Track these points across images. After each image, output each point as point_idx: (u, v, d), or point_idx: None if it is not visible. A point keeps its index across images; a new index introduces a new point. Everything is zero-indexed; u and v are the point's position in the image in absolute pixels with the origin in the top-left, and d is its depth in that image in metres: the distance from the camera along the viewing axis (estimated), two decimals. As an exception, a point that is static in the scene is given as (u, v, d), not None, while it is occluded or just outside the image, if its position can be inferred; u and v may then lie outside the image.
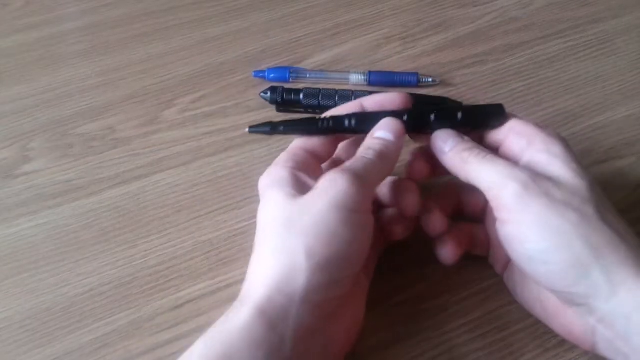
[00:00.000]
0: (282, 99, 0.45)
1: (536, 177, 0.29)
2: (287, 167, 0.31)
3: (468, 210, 0.36)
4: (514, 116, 0.33)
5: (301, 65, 0.49)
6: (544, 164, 0.30)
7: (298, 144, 0.34)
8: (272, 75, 0.48)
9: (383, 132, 0.32)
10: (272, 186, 0.31)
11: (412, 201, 0.33)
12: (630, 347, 0.27)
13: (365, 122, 0.33)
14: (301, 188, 0.30)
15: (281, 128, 0.33)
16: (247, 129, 0.34)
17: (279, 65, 0.49)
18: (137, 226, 0.40)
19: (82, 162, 0.43)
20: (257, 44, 0.51)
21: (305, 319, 0.27)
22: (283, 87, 0.45)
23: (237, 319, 0.27)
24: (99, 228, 0.40)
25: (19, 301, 0.36)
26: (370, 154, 0.31)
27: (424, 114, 0.33)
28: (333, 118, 0.33)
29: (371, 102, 0.34)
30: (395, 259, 0.37)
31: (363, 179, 0.29)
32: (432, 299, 0.36)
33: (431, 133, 0.33)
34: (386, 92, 0.45)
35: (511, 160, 0.31)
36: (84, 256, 0.38)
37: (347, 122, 0.33)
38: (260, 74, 0.48)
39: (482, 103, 0.46)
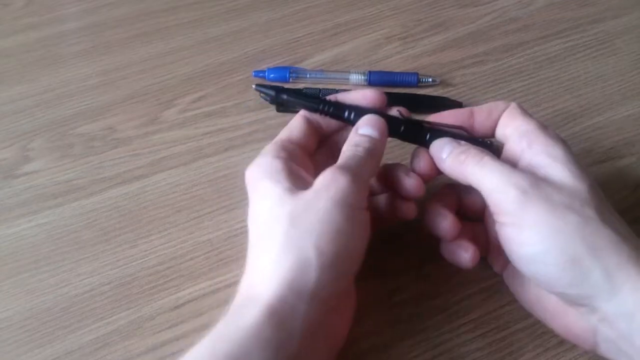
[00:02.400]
0: (282, 99, 0.45)
1: (536, 182, 0.29)
2: (280, 157, 0.31)
3: (467, 210, 0.36)
4: (522, 114, 0.33)
5: (301, 65, 0.49)
6: (545, 166, 0.30)
7: (284, 135, 0.34)
8: (272, 75, 0.48)
9: (369, 129, 0.32)
10: (266, 178, 0.30)
11: (416, 181, 0.33)
12: (634, 346, 0.27)
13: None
14: (296, 181, 0.30)
15: (284, 96, 0.35)
16: (253, 86, 0.36)
17: (279, 65, 0.49)
18: (137, 226, 0.40)
19: (82, 162, 0.43)
20: (257, 44, 0.51)
21: (313, 315, 0.27)
22: (283, 87, 0.45)
23: (248, 318, 0.26)
24: (99, 228, 0.40)
25: (19, 301, 0.36)
26: (360, 151, 0.31)
27: (419, 128, 0.34)
28: (335, 104, 0.34)
29: (347, 100, 0.35)
30: (395, 259, 0.37)
31: (359, 176, 0.30)
32: (432, 299, 0.36)
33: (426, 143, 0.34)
34: (385, 92, 0.46)
35: (512, 160, 0.31)
36: (84, 256, 0.38)
37: (346, 114, 0.34)
38: (260, 74, 0.48)
39: (482, 103, 0.46)
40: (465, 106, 0.45)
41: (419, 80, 0.47)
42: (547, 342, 0.34)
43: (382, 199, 0.36)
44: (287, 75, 0.48)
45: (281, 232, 0.28)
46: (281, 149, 0.32)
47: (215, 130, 0.45)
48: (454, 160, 0.32)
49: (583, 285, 0.27)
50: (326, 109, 0.34)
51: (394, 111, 0.35)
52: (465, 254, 0.33)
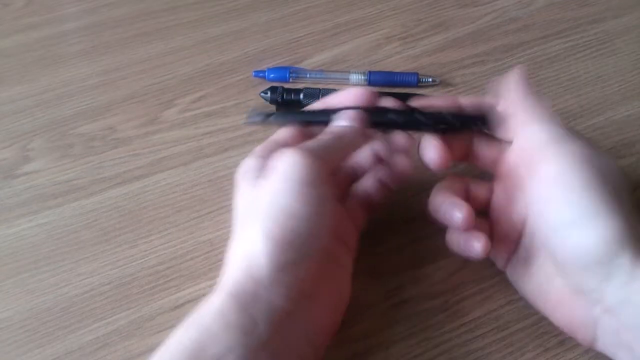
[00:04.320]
0: (282, 99, 0.45)
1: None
2: (258, 156, 0.32)
3: (473, 202, 0.34)
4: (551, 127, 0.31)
5: (301, 65, 0.49)
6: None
7: (272, 137, 0.34)
8: (272, 75, 0.48)
9: (341, 121, 0.33)
10: (242, 177, 0.31)
11: (406, 161, 0.34)
12: (637, 337, 0.27)
13: None
14: (264, 173, 0.30)
15: (272, 117, 0.34)
16: (242, 122, 0.36)
17: (279, 65, 0.49)
18: (137, 226, 0.40)
19: (82, 162, 0.43)
20: (257, 44, 0.51)
21: (278, 301, 0.27)
22: (283, 87, 0.45)
23: (210, 304, 0.27)
24: (99, 228, 0.40)
25: (19, 301, 0.36)
26: (324, 136, 0.32)
27: (412, 116, 0.34)
28: (324, 110, 0.34)
29: (335, 101, 0.35)
30: (394, 259, 0.37)
31: (314, 152, 0.29)
32: (432, 299, 0.36)
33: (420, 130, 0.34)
34: (385, 92, 0.46)
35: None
36: (84, 256, 0.38)
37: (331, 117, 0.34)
38: (260, 74, 0.48)
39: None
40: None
41: (419, 80, 0.47)
42: (547, 342, 0.34)
43: (366, 180, 0.36)
44: (287, 75, 0.48)
45: (239, 224, 0.30)
46: (262, 149, 0.33)
47: (215, 130, 0.45)
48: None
49: (611, 263, 0.27)
50: (316, 118, 0.34)
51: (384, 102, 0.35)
52: (477, 244, 0.31)
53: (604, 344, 0.29)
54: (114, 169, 0.43)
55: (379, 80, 0.47)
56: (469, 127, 0.34)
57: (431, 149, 0.32)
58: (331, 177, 0.31)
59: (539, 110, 0.32)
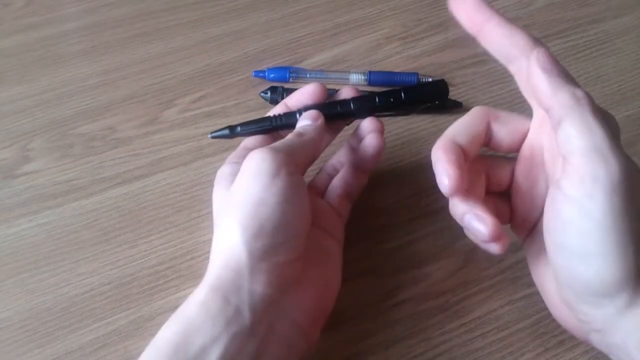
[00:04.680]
0: (282, 99, 0.45)
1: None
2: (231, 163, 0.34)
3: (492, 185, 0.33)
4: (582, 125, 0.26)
5: (301, 65, 0.49)
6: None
7: (243, 144, 0.36)
8: (272, 75, 0.48)
9: (303, 121, 0.35)
10: (216, 183, 0.34)
11: (374, 139, 0.35)
12: (629, 354, 0.26)
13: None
14: None
15: (238, 129, 0.36)
16: (209, 136, 0.37)
17: (279, 65, 0.49)
18: (137, 226, 0.40)
19: (82, 162, 0.43)
20: (257, 44, 0.51)
21: (260, 289, 0.28)
22: (283, 87, 0.45)
23: (194, 298, 0.28)
24: (99, 228, 0.40)
25: (19, 301, 0.36)
26: (288, 136, 0.34)
27: (369, 98, 0.37)
28: (285, 114, 0.36)
29: (294, 100, 0.37)
30: (394, 259, 0.37)
31: (278, 149, 0.31)
32: (432, 299, 0.36)
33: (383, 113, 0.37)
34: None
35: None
36: (84, 256, 0.38)
37: (298, 115, 0.35)
38: (260, 74, 0.48)
39: (481, 104, 0.46)
40: (466, 106, 0.46)
41: (419, 80, 0.47)
42: (547, 342, 0.34)
43: (343, 171, 0.38)
44: (287, 75, 0.48)
45: (216, 224, 0.32)
46: (234, 156, 0.35)
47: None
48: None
49: (609, 304, 0.25)
50: (279, 122, 0.36)
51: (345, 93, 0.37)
52: (495, 246, 0.29)
53: (597, 345, 0.29)
54: (114, 169, 0.43)
55: (379, 80, 0.47)
56: (426, 101, 0.37)
57: (443, 176, 0.29)
58: (299, 169, 0.32)
59: (579, 106, 0.26)
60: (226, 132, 0.37)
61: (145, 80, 0.49)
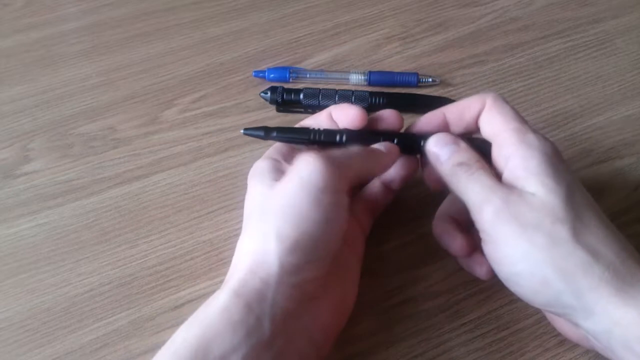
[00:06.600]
0: (282, 99, 0.45)
1: (509, 199, 0.28)
2: (270, 158, 0.33)
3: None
4: (499, 115, 0.31)
5: (301, 65, 0.49)
6: (521, 180, 0.29)
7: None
8: (272, 75, 0.48)
9: (379, 145, 0.33)
10: (254, 177, 0.32)
11: (410, 158, 0.35)
12: (618, 358, 0.27)
13: (355, 139, 0.34)
14: (280, 175, 0.31)
15: (274, 134, 0.34)
16: (242, 131, 0.35)
17: (279, 65, 0.49)
18: (137, 226, 0.40)
19: (82, 162, 0.43)
20: (257, 44, 0.51)
21: (283, 302, 0.28)
22: (283, 87, 0.45)
23: (216, 302, 0.27)
24: (99, 228, 0.40)
25: (19, 301, 0.36)
26: (354, 148, 0.32)
27: (414, 141, 0.34)
28: (325, 131, 0.34)
29: (339, 114, 0.34)
30: (394, 259, 0.37)
31: (336, 161, 0.30)
32: (432, 299, 0.36)
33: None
34: (385, 92, 0.46)
35: (500, 166, 0.30)
36: (84, 256, 0.38)
37: (338, 137, 0.34)
38: (260, 74, 0.48)
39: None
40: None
41: (419, 80, 0.47)
42: (547, 342, 0.34)
43: (372, 185, 0.37)
44: (287, 75, 0.48)
45: (251, 222, 0.30)
46: (272, 151, 0.34)
47: (215, 130, 0.45)
48: (450, 168, 0.31)
49: (557, 305, 0.27)
50: (318, 138, 0.34)
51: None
52: (480, 269, 0.33)
53: (600, 352, 0.29)
54: (114, 169, 0.43)
55: (379, 80, 0.47)
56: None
57: (452, 242, 0.33)
58: (348, 188, 0.31)
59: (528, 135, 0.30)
60: (261, 133, 0.34)
61: (145, 80, 0.49)
